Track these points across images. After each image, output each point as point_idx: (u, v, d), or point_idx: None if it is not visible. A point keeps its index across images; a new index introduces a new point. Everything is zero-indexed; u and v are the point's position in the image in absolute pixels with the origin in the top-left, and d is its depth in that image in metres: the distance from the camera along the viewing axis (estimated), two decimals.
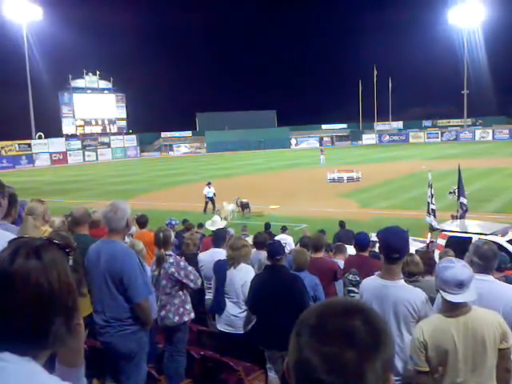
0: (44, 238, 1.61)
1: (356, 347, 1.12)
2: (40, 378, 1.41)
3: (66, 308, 1.48)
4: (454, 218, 13.71)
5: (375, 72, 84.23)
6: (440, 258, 6.54)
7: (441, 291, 3.38)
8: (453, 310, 3.35)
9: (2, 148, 62.24)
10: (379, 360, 1.14)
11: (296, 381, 1.17)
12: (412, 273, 5.25)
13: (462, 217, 13.28)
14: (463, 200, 13.59)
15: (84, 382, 1.65)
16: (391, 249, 3.86)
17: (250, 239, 9.18)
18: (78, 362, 1.69)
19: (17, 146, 63.62)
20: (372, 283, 4.03)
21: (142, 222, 9.56)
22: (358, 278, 5.90)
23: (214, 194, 25.24)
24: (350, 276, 6.29)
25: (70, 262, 1.55)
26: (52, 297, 1.43)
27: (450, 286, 3.30)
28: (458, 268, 3.33)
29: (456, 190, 23.34)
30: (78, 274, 4.40)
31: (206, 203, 25.07)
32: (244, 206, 23.86)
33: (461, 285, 3.28)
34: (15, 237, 1.61)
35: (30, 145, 64.93)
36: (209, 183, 25.62)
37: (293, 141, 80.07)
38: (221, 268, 6.22)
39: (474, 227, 11.69)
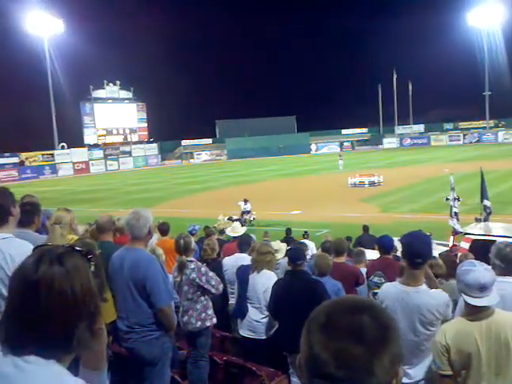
0: (66, 245, 1.65)
1: (364, 343, 1.16)
2: (66, 380, 1.45)
3: (89, 313, 1.52)
4: (477, 220, 13.52)
5: (395, 75, 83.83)
6: (460, 261, 6.47)
7: (463, 295, 3.34)
8: (475, 313, 3.31)
9: (26, 159, 63.34)
10: (387, 355, 1.17)
11: (307, 376, 1.21)
12: (436, 275, 5.20)
13: (485, 219, 13.10)
14: (487, 202, 13.41)
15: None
16: (414, 253, 3.81)
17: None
18: (101, 365, 1.73)
19: (40, 156, 64.72)
20: (393, 290, 3.97)
21: (163, 229, 9.62)
22: (384, 281, 5.85)
23: (249, 211, 23.67)
24: (376, 279, 6.24)
25: (92, 268, 1.59)
26: (75, 302, 1.47)
27: (472, 289, 3.27)
28: (481, 271, 3.29)
29: (450, 196, 23.35)
30: (100, 279, 4.45)
31: (245, 219, 23.42)
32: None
33: (483, 288, 3.24)
34: (37, 245, 1.65)
35: (53, 155, 66.02)
36: (245, 200, 24.04)
37: (313, 146, 79.95)
38: (244, 273, 6.27)
39: (499, 230, 11.48)
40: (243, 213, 23.96)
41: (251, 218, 23.34)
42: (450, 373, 3.33)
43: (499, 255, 3.94)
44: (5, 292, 2.98)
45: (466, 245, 10.67)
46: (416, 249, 3.84)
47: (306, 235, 15.08)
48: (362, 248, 9.56)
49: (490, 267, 3.40)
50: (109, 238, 5.88)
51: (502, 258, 3.91)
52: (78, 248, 1.63)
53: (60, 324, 1.45)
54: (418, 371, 3.84)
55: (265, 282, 5.95)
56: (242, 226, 21.48)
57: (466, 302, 3.35)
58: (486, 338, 3.26)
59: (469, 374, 3.31)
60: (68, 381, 1.46)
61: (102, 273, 4.64)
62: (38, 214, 4.50)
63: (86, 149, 70.17)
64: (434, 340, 3.51)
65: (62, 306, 1.45)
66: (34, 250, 1.58)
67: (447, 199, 23.48)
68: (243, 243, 7.45)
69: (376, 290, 6.01)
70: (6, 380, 1.41)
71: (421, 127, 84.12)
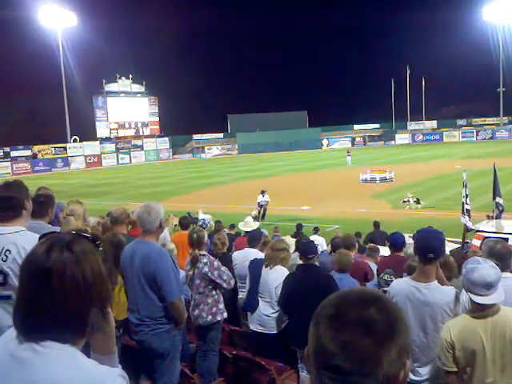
0: (73, 232, 1.69)
1: (372, 335, 1.18)
2: (81, 362, 1.51)
3: (100, 296, 1.58)
4: (489, 218, 13.45)
5: (408, 71, 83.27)
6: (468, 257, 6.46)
7: (469, 293, 3.34)
8: (481, 310, 3.31)
9: (39, 152, 63.72)
10: (395, 347, 1.19)
11: (315, 368, 1.23)
12: (447, 277, 5.17)
13: (497, 217, 13.02)
14: (499, 200, 13.31)
15: (119, 367, 1.71)
16: (426, 248, 3.80)
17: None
18: (111, 349, 1.77)
19: (53, 149, 65.04)
20: (404, 286, 3.94)
21: (184, 223, 9.79)
22: (394, 278, 5.84)
23: (267, 202, 23.76)
24: (386, 276, 6.23)
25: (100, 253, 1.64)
26: (87, 287, 1.52)
27: (478, 287, 3.26)
28: (486, 269, 3.28)
29: (410, 198, 23.72)
30: (109, 263, 4.50)
31: (260, 211, 23.59)
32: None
33: (489, 286, 3.24)
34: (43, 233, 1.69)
35: (65, 148, 66.31)
36: (263, 191, 23.97)
37: (324, 141, 79.63)
38: (256, 266, 6.30)
39: (511, 227, 11.44)
40: (261, 206, 23.84)
41: (252, 214, 22.78)
42: (455, 369, 3.34)
43: (492, 254, 3.92)
44: None
45: (477, 242, 10.63)
46: (428, 243, 3.83)
47: (316, 231, 15.08)
48: (377, 245, 9.58)
49: (495, 264, 3.38)
50: (123, 230, 5.95)
51: (496, 256, 3.89)
52: (85, 234, 1.67)
53: (73, 309, 1.50)
54: (427, 369, 3.83)
55: (277, 277, 5.96)
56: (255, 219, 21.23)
57: (471, 300, 3.34)
58: (491, 335, 3.26)
59: (474, 370, 3.31)
60: (84, 362, 1.51)
61: (110, 256, 4.73)
62: (51, 206, 4.56)
63: (98, 142, 70.44)
64: (439, 337, 3.50)
65: (74, 291, 1.50)
66: (40, 238, 1.63)
67: (404, 202, 23.97)
68: (253, 238, 7.46)
69: (386, 288, 6.01)
70: (25, 364, 1.47)
71: (433, 123, 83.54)
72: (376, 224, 15.29)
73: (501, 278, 3.32)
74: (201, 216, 20.53)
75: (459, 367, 3.33)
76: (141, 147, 74.43)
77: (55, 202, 4.76)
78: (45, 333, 1.49)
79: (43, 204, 4.42)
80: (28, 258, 1.56)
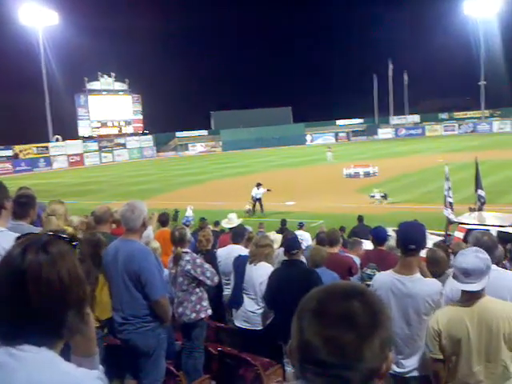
0: (50, 232, 1.67)
1: (354, 329, 1.18)
2: (58, 365, 1.48)
3: (78, 299, 1.55)
4: (471, 210, 13.59)
5: (390, 65, 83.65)
6: (453, 250, 6.56)
7: (452, 278, 3.43)
8: (466, 299, 3.37)
9: (21, 151, 62.93)
10: (377, 339, 1.19)
11: (299, 362, 1.23)
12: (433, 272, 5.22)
13: (479, 209, 13.16)
14: (481, 192, 13.45)
15: (100, 368, 1.70)
16: (408, 240, 3.85)
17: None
18: (91, 351, 1.75)
19: (34, 149, 64.27)
20: (387, 279, 3.99)
21: (163, 220, 9.68)
22: (377, 273, 5.88)
23: (268, 189, 24.18)
24: (368, 270, 6.27)
25: (77, 253, 1.62)
26: (63, 289, 1.49)
27: (458, 273, 3.35)
28: (467, 257, 3.35)
29: (377, 193, 24.13)
30: (86, 264, 4.46)
31: (254, 205, 23.93)
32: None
33: (466, 273, 3.29)
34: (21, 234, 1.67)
35: (47, 147, 65.61)
36: (258, 184, 24.22)
37: (308, 137, 79.84)
38: (241, 263, 6.30)
39: (492, 219, 11.57)
40: (256, 200, 23.90)
41: (246, 208, 23.07)
42: (441, 357, 3.39)
43: (479, 245, 3.98)
44: None
45: (460, 234, 10.75)
46: (409, 235, 3.90)
47: (301, 226, 15.11)
48: (358, 238, 9.61)
49: (483, 255, 3.40)
50: (106, 229, 5.91)
51: (483, 247, 3.96)
52: (62, 235, 1.65)
53: (49, 311, 1.47)
54: (411, 361, 3.88)
55: (262, 273, 5.98)
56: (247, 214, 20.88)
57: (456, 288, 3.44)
58: (476, 325, 3.30)
59: (459, 359, 3.36)
60: (61, 365, 1.48)
61: (87, 257, 4.70)
62: (33, 207, 4.52)
63: (80, 141, 69.77)
64: (427, 325, 3.56)
65: (50, 294, 1.47)
66: (17, 238, 1.61)
67: (372, 196, 24.37)
68: (237, 234, 7.48)
69: (369, 282, 6.06)
70: (1, 369, 1.43)
71: (416, 117, 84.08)
72: (360, 218, 15.40)
73: (483, 268, 3.35)
74: (188, 213, 20.56)
75: (445, 355, 3.39)
76: (124, 145, 73.89)
77: (37, 202, 4.71)
78: (21, 336, 1.46)
79: (24, 205, 4.38)
80: (3, 260, 1.53)
